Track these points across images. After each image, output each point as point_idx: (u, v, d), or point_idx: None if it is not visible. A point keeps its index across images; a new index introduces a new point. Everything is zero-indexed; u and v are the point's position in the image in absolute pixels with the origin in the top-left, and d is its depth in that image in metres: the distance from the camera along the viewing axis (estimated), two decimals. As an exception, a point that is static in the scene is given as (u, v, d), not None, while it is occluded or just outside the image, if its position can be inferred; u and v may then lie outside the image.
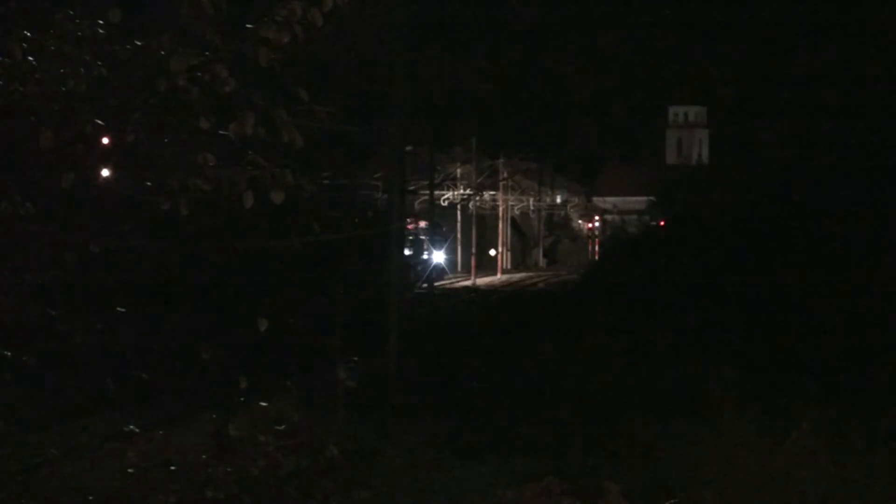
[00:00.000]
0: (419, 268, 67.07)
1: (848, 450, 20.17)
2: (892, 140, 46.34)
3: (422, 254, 69.94)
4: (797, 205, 44.76)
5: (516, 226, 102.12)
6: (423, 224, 71.31)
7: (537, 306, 53.54)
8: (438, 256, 73.03)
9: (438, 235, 73.87)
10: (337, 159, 43.18)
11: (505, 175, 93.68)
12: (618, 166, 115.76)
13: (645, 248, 53.73)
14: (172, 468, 8.20)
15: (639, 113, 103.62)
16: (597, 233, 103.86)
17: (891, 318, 31.40)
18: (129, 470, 8.89)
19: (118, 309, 9.85)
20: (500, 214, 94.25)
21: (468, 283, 77.12)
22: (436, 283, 67.21)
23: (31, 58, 6.78)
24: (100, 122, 6.78)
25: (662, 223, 67.25)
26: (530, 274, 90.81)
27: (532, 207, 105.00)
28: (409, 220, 63.53)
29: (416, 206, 74.82)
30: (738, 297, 37.16)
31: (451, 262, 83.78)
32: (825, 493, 18.91)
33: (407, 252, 65.36)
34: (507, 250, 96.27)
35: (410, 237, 65.14)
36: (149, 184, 6.84)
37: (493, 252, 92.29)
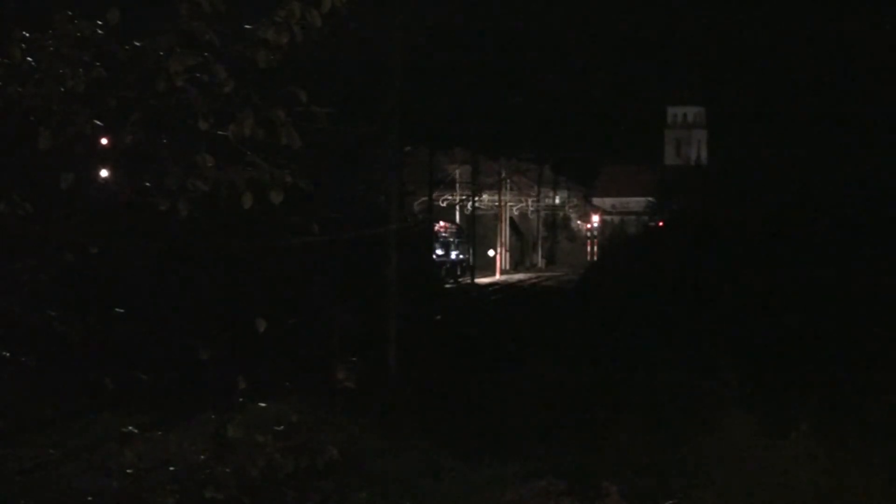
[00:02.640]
0: (447, 266, 71.98)
1: (847, 450, 20.18)
2: (890, 139, 46.34)
3: (450, 254, 74.23)
4: (796, 204, 44.79)
5: (515, 226, 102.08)
6: (451, 226, 75.93)
7: (537, 306, 53.56)
8: (461, 256, 77.97)
9: (461, 237, 78.52)
10: (336, 159, 43.17)
11: (504, 176, 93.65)
12: (616, 167, 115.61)
13: (644, 248, 53.74)
14: (171, 469, 8.20)
15: (637, 113, 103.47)
16: (595, 233, 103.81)
17: (890, 318, 31.39)
18: (128, 470, 8.87)
19: (117, 309, 9.86)
20: (499, 215, 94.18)
21: (467, 283, 77.41)
22: (459, 279, 71.92)
23: (30, 58, 6.78)
24: (98, 122, 6.77)
25: (661, 224, 67.33)
26: (529, 274, 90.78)
27: (531, 208, 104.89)
28: (440, 222, 67.23)
29: (416, 206, 75.01)
30: (738, 297, 37.16)
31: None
32: (824, 493, 18.92)
33: (440, 252, 70.16)
34: (506, 251, 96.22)
35: (441, 238, 69.88)
36: (147, 184, 6.83)
37: (491, 252, 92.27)
